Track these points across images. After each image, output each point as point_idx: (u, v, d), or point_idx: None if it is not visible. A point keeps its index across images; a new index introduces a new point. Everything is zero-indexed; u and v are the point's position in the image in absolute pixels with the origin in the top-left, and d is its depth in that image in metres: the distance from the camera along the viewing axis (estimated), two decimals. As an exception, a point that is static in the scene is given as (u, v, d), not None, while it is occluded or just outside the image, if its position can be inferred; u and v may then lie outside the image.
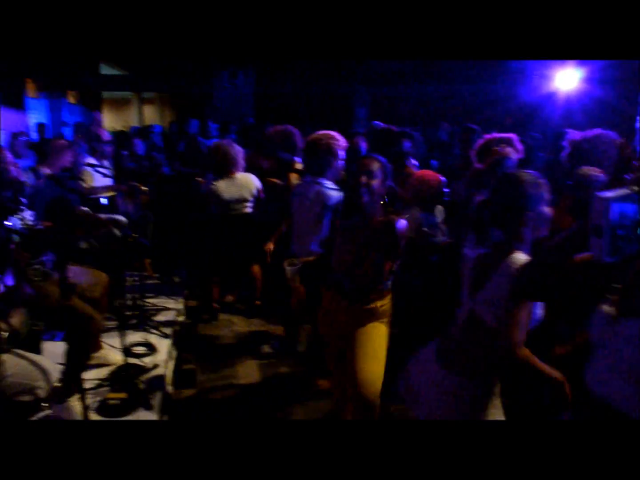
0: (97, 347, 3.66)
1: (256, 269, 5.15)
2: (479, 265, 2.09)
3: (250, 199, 4.86)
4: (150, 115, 13.53)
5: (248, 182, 4.84)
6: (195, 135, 6.84)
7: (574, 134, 3.14)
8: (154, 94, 13.60)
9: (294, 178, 4.17)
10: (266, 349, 4.63)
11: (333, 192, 3.49)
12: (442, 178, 3.71)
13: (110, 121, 12.25)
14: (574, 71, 6.31)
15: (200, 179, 5.07)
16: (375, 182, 2.66)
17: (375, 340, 2.75)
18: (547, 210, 2.02)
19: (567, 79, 6.54)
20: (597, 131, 3.11)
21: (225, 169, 4.75)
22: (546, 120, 7.13)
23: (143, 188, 4.67)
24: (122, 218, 4.04)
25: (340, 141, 3.58)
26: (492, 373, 2.02)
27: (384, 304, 2.77)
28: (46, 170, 3.86)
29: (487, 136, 3.61)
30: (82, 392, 2.57)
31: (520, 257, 1.92)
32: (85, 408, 2.57)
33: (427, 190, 3.55)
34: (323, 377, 3.96)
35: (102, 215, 4.18)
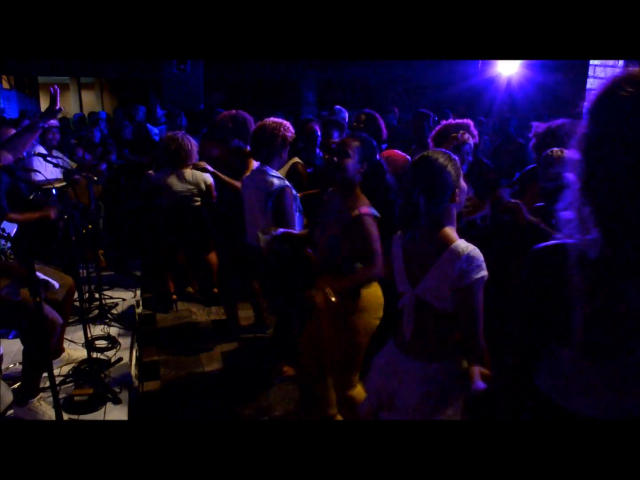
0: (58, 351, 3.59)
1: (212, 257, 5.14)
2: (411, 251, 2.13)
3: (198, 193, 4.84)
4: (89, 101, 13.04)
5: (199, 177, 4.80)
6: (143, 122, 6.67)
7: (539, 126, 3.24)
8: (93, 79, 13.09)
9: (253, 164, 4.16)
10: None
11: (275, 179, 3.50)
12: (409, 158, 3.80)
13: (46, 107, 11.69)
14: (515, 56, 6.53)
15: (151, 172, 4.98)
16: (349, 161, 2.72)
17: (349, 327, 2.77)
18: (464, 184, 2.08)
19: (508, 64, 6.76)
20: (560, 121, 3.21)
21: (178, 163, 4.70)
22: (489, 104, 7.36)
23: (94, 178, 4.54)
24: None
25: (289, 129, 3.60)
26: (455, 352, 2.08)
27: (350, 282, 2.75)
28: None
29: (445, 122, 3.71)
30: (53, 389, 2.51)
31: (462, 244, 1.96)
32: (57, 406, 2.51)
33: (394, 171, 3.64)
34: (288, 364, 4.02)
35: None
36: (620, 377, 1.01)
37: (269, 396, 3.79)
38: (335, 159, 2.73)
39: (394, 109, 7.54)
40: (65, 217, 3.45)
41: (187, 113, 6.82)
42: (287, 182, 3.53)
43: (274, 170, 3.57)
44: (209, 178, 4.82)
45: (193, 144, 4.75)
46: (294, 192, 3.55)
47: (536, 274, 1.17)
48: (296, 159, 4.43)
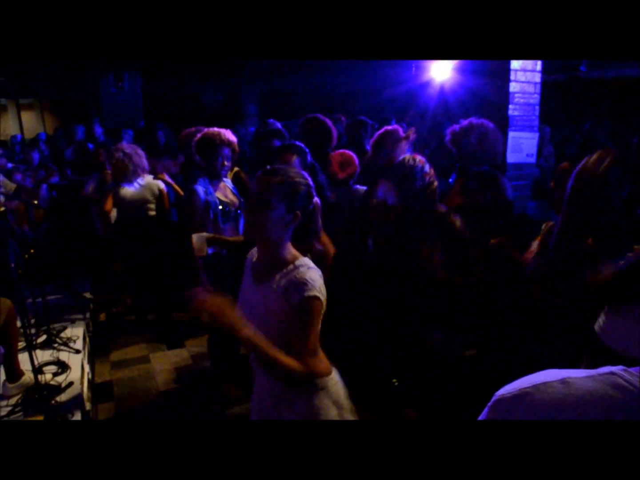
0: (16, 375, 3.54)
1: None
2: None
3: (154, 201, 4.91)
4: (30, 122, 12.72)
5: (150, 185, 4.90)
6: (83, 141, 6.60)
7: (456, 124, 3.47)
8: (33, 100, 12.78)
9: None
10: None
11: (200, 188, 3.55)
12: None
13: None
14: (446, 62, 6.72)
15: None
16: None
17: None
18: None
19: (441, 69, 6.95)
20: (470, 119, 3.45)
21: (129, 175, 4.75)
22: (424, 108, 7.53)
23: (34, 202, 4.49)
24: None
25: (227, 136, 3.60)
26: None
27: None
28: None
29: (380, 131, 3.85)
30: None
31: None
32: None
33: (355, 168, 3.79)
34: (231, 383, 4.02)
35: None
36: None
37: (228, 411, 3.81)
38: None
39: (341, 118, 7.63)
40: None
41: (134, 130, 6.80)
42: (196, 186, 3.52)
43: (205, 178, 3.60)
44: (161, 184, 4.94)
45: (141, 154, 4.81)
46: (209, 199, 3.55)
47: None
48: (237, 168, 4.47)
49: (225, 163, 3.61)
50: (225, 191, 3.73)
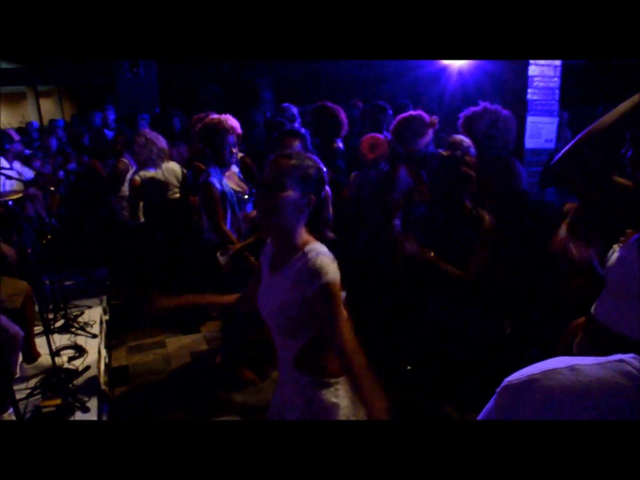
0: (33, 356, 3.59)
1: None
2: None
3: (178, 184, 4.92)
4: (48, 109, 12.80)
5: (174, 168, 4.91)
6: (100, 128, 6.63)
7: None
8: (52, 87, 12.85)
9: None
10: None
11: (205, 175, 3.53)
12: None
13: (5, 117, 11.49)
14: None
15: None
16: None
17: None
18: None
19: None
20: (485, 105, 3.39)
21: (154, 159, 4.76)
22: (441, 93, 7.41)
23: (51, 188, 4.52)
24: None
25: (230, 122, 3.54)
26: None
27: None
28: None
29: (404, 115, 3.81)
30: (14, 404, 2.52)
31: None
32: (21, 420, 2.53)
33: (386, 150, 3.79)
34: (248, 368, 4.04)
35: None
36: None
37: (242, 395, 3.83)
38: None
39: (358, 104, 7.55)
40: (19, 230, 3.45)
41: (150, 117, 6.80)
42: (211, 179, 3.46)
43: (216, 167, 3.54)
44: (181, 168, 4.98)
45: (162, 140, 4.82)
46: (225, 189, 3.52)
47: None
48: (241, 154, 4.44)
49: (234, 151, 3.55)
50: (234, 178, 3.70)
